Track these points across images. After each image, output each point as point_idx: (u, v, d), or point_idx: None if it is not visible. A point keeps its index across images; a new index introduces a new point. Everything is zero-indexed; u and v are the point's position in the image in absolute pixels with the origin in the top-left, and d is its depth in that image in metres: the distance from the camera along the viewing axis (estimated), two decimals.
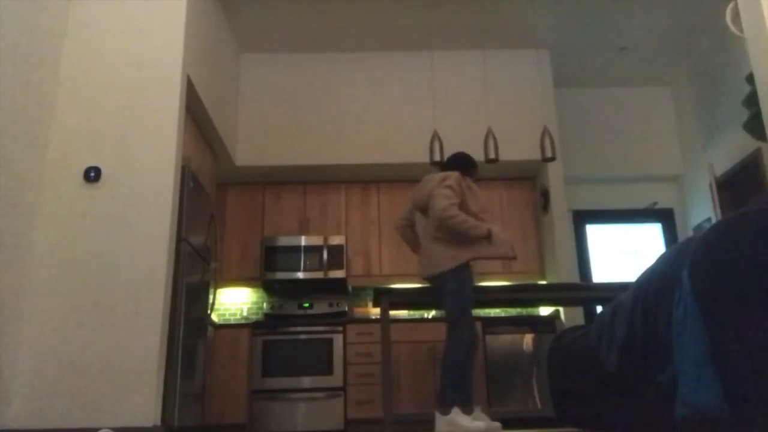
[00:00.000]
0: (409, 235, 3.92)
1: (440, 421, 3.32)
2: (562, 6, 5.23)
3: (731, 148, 5.37)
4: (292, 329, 5.09)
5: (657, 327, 1.31)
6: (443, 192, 3.53)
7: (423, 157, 5.04)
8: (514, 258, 3.65)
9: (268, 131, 5.61)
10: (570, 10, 5.29)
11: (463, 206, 3.59)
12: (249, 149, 5.55)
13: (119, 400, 3.22)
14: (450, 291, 3.50)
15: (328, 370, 4.96)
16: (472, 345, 3.44)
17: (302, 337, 5.06)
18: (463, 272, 3.53)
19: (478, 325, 5.12)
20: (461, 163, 3.84)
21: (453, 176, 3.64)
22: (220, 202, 5.61)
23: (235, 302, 5.76)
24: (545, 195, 5.59)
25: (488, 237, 3.53)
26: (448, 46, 5.81)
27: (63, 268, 3.41)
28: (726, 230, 1.16)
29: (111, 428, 3.09)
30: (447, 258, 3.53)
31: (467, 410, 3.34)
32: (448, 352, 3.42)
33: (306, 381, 4.94)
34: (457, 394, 3.34)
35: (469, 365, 3.42)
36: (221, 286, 5.53)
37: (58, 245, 3.45)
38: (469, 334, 3.43)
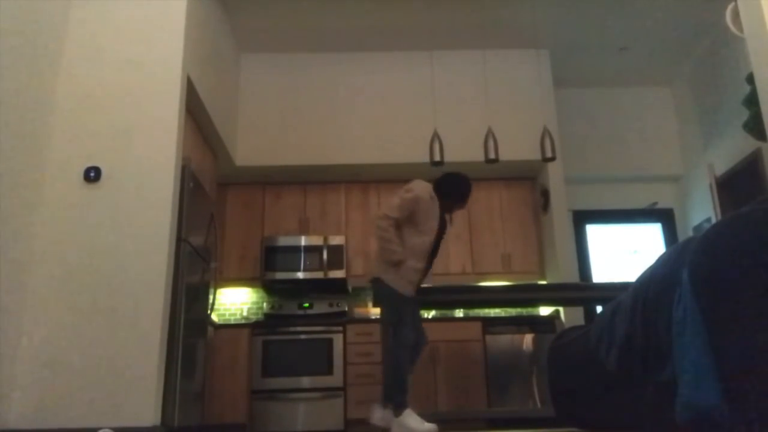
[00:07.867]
0: None
1: (378, 414, 3.48)
2: (562, 6, 5.23)
3: (731, 148, 5.37)
4: (292, 329, 5.09)
5: (657, 327, 1.31)
6: (394, 201, 3.59)
7: (423, 157, 5.04)
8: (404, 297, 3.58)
9: (268, 131, 5.61)
10: (570, 10, 5.29)
11: (410, 219, 3.59)
12: (249, 149, 5.55)
13: (119, 400, 3.22)
14: (383, 296, 3.59)
15: (328, 370, 4.96)
16: (413, 345, 3.49)
17: (302, 337, 5.06)
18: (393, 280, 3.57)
19: (479, 325, 5.13)
20: (449, 191, 3.78)
21: (419, 190, 3.62)
22: (220, 202, 5.61)
23: (235, 302, 5.76)
24: (545, 195, 5.59)
25: (396, 265, 3.55)
26: (448, 46, 5.81)
27: (63, 268, 3.41)
28: (726, 230, 1.16)
29: (111, 428, 3.09)
30: (378, 264, 3.64)
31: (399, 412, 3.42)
32: (389, 355, 3.49)
33: (306, 381, 4.94)
34: (400, 394, 3.41)
35: (407, 366, 3.48)
36: (221, 286, 5.53)
37: (58, 245, 3.44)
38: (407, 336, 3.47)
